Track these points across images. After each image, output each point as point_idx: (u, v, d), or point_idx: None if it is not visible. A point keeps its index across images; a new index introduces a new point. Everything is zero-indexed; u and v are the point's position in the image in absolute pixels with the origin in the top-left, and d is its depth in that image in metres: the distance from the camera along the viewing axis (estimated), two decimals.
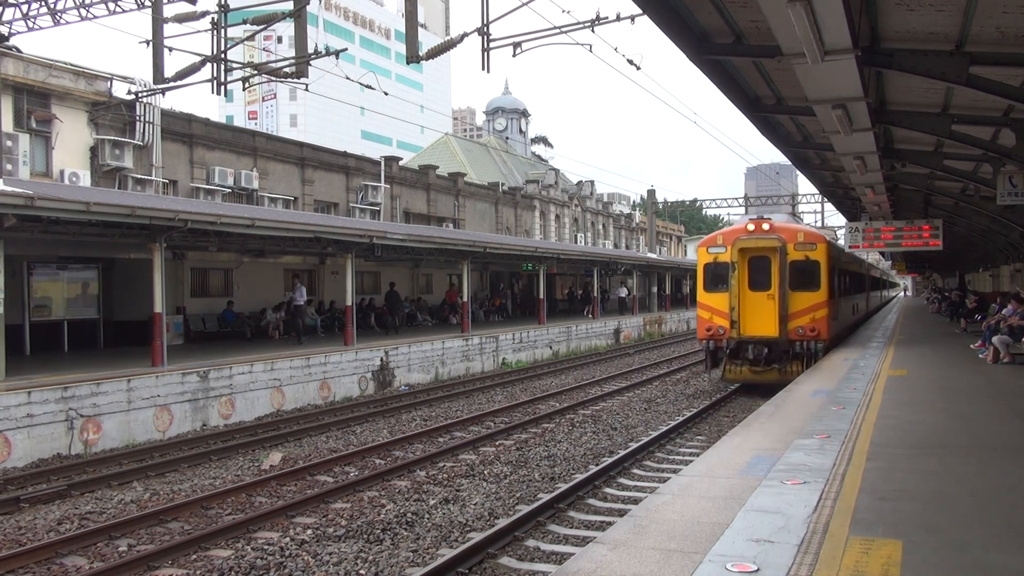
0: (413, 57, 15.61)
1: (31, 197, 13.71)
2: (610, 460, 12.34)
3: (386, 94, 19.95)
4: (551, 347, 31.85)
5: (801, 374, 16.15)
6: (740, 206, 59.41)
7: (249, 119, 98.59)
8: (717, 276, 18.84)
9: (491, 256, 29.95)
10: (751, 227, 18.57)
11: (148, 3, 17.73)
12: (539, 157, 77.13)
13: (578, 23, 15.42)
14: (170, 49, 17.53)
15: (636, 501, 9.40)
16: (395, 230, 25.17)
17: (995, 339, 16.43)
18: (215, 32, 17.30)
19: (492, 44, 14.97)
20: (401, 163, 40.46)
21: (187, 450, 14.45)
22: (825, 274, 17.99)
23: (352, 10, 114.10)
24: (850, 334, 25.16)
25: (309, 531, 9.47)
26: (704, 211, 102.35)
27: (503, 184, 51.04)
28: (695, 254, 21.34)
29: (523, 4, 14.37)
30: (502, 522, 9.35)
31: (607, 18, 15.29)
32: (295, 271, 27.73)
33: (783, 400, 11.50)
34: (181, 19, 17.51)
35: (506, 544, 8.73)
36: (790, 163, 21.34)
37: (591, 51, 17.08)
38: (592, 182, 64.47)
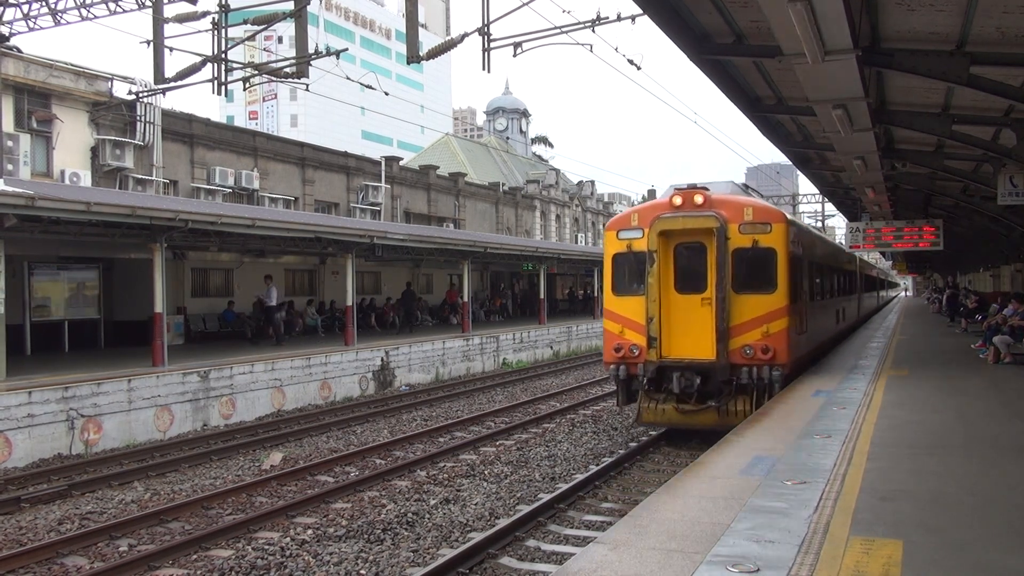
0: (414, 57, 15.61)
1: (32, 197, 13.72)
2: (610, 460, 12.35)
3: (387, 94, 19.95)
4: (552, 347, 31.87)
5: (750, 417, 10.76)
6: None
7: (250, 119, 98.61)
8: (631, 272, 13.51)
9: (491, 256, 29.96)
10: (677, 200, 12.97)
11: (149, 3, 17.72)
12: (539, 157, 77.13)
13: (578, 23, 15.43)
14: (171, 49, 17.53)
15: (637, 502, 9.40)
16: (395, 230, 25.18)
17: (996, 339, 16.41)
18: (216, 32, 17.30)
19: (493, 44, 14.98)
20: (401, 163, 40.47)
21: (188, 450, 14.45)
22: (784, 268, 12.68)
23: (353, 10, 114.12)
24: (832, 349, 19.24)
25: (310, 531, 9.48)
26: None
27: (504, 184, 51.04)
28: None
29: (523, 4, 14.37)
30: (503, 522, 9.35)
31: (607, 18, 15.29)
32: (268, 273, 25.97)
33: (781, 401, 11.49)
34: (182, 19, 17.51)
35: (507, 544, 8.73)
36: (790, 163, 21.34)
37: (591, 51, 17.10)
38: (592, 182, 64.49)
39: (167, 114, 26.29)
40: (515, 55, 15.37)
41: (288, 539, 9.17)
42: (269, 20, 17.86)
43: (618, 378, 13.50)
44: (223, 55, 17.30)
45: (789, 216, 13.66)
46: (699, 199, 12.88)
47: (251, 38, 18.50)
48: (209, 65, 17.41)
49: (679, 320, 13.02)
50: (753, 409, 11.93)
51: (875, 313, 41.74)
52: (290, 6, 17.18)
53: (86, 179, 23.01)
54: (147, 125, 24.86)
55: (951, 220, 24.58)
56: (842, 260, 23.09)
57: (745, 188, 15.70)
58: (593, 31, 15.50)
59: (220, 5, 17.32)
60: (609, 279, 13.85)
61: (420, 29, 16.55)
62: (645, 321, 12.93)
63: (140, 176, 24.69)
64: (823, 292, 17.94)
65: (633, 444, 13.75)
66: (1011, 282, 33.02)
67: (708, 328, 12.63)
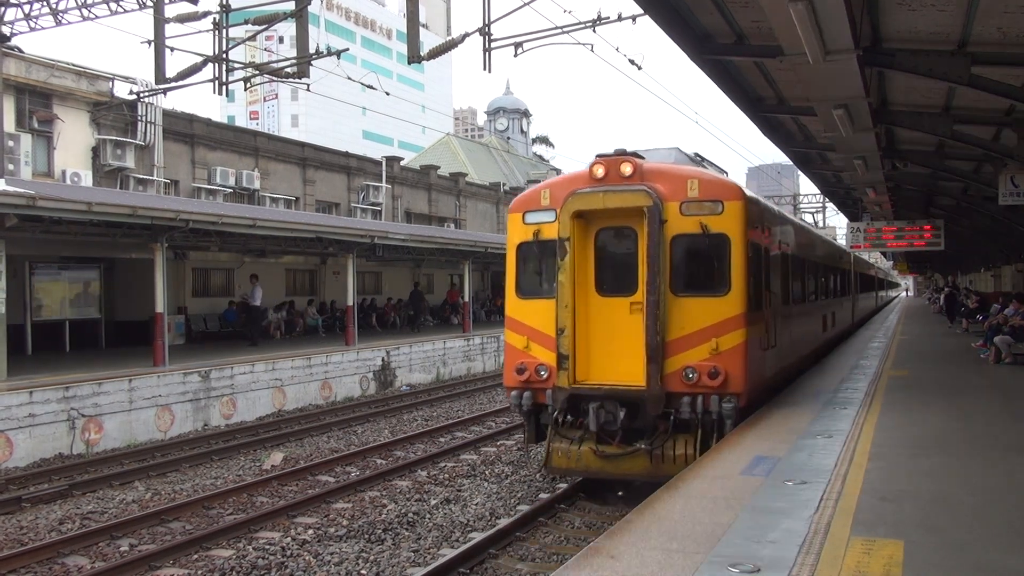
0: (414, 57, 15.62)
1: (33, 197, 13.74)
2: (507, 521, 12.28)
3: (387, 94, 19.95)
4: None
5: (694, 463, 8.20)
6: None
7: (250, 119, 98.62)
8: (540, 267, 10.53)
9: (492, 256, 29.93)
10: (599, 171, 9.95)
11: (150, 3, 17.73)
12: (540, 157, 77.16)
13: (579, 23, 15.44)
14: (172, 49, 17.55)
15: (637, 501, 9.39)
16: (396, 230, 25.19)
17: (997, 339, 16.40)
18: (216, 32, 17.32)
19: (493, 44, 14.99)
20: (402, 163, 40.49)
21: (188, 450, 14.46)
22: (741, 261, 9.61)
23: (354, 10, 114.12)
24: (817, 362, 16.28)
25: (310, 531, 9.48)
26: None
27: (505, 184, 51.04)
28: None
29: (524, 4, 14.38)
30: (504, 522, 9.35)
31: (608, 18, 15.31)
32: (254, 272, 24.87)
33: (782, 402, 11.48)
34: (183, 19, 17.53)
35: (508, 544, 8.73)
36: (792, 163, 21.34)
37: (592, 51, 17.11)
38: None
39: (168, 114, 26.30)
40: (516, 55, 15.39)
41: (289, 539, 9.17)
42: (270, 20, 17.88)
43: (522, 409, 10.27)
44: (224, 55, 17.31)
45: (749, 193, 10.29)
46: (627, 169, 9.73)
47: (252, 38, 18.53)
48: (210, 65, 17.44)
49: (601, 332, 10.00)
50: (697, 453, 9.07)
51: (873, 315, 39.07)
52: (291, 6, 17.19)
53: (87, 179, 23.03)
54: (148, 125, 24.88)
55: (952, 220, 24.57)
56: (831, 255, 20.07)
57: (698, 160, 12.07)
58: (594, 31, 15.52)
59: (221, 5, 17.34)
60: (512, 277, 10.61)
61: (421, 29, 16.57)
62: (555, 333, 9.80)
63: (141, 176, 24.70)
64: (804, 294, 14.75)
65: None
66: (1012, 282, 33.01)
67: (638, 343, 9.53)
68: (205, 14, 17.52)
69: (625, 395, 9.58)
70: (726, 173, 11.82)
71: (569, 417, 10.08)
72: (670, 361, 9.47)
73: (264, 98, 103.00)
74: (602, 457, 9.72)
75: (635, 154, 10.15)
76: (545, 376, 9.98)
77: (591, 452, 9.75)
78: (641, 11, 10.67)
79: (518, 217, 10.61)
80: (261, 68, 19.12)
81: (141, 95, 23.62)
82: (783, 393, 11.75)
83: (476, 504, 10.42)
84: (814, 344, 16.28)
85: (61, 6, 18.28)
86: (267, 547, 8.90)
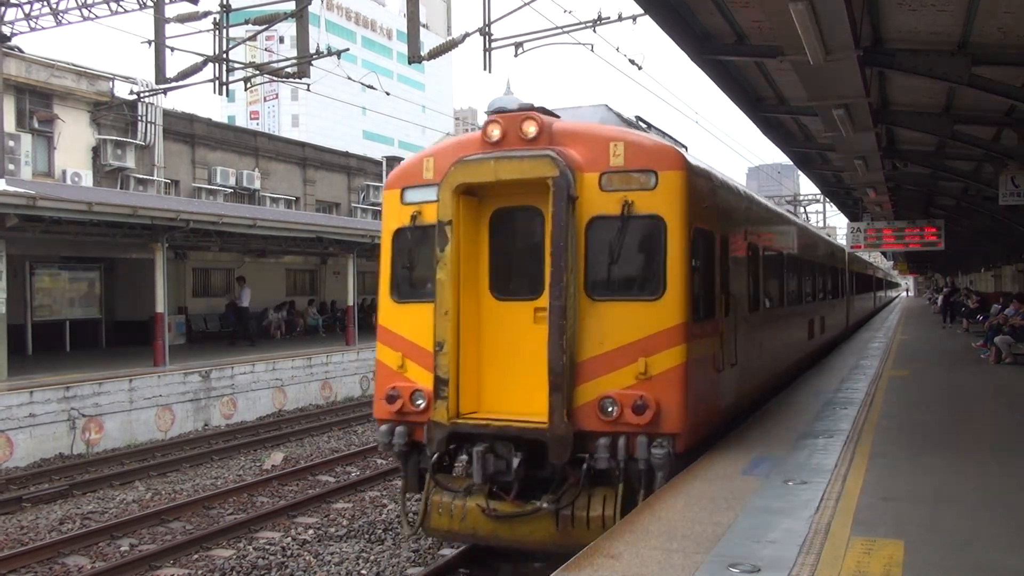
0: (415, 57, 15.63)
1: (33, 197, 13.75)
2: None
3: (388, 94, 19.96)
4: None
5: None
6: None
7: (251, 119, 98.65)
8: (423, 261, 7.91)
9: None
10: (494, 132, 7.60)
11: (150, 3, 17.75)
12: None
13: (580, 23, 15.46)
14: (172, 49, 17.57)
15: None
16: None
17: (997, 339, 16.40)
18: (217, 32, 17.33)
19: (494, 44, 15.01)
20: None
21: (189, 450, 14.46)
22: (680, 254, 7.27)
23: (354, 10, 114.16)
24: (797, 377, 13.74)
25: (311, 531, 9.49)
26: None
27: None
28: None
29: (524, 4, 14.39)
30: None
31: (609, 18, 15.32)
32: (241, 275, 24.39)
33: (782, 402, 11.48)
34: (183, 19, 17.54)
35: None
36: (792, 163, 21.34)
37: (592, 51, 17.11)
38: None
39: (168, 114, 26.32)
40: (516, 55, 15.41)
41: (289, 539, 9.18)
42: (270, 20, 17.90)
43: (394, 449, 7.73)
44: (224, 55, 17.32)
45: (695, 161, 7.90)
46: (531, 129, 7.37)
47: (252, 38, 18.54)
48: (210, 65, 17.45)
49: (496, 348, 7.65)
50: (619, 514, 6.79)
51: (871, 318, 36.86)
52: (291, 6, 17.20)
53: (87, 179, 23.04)
54: (148, 125, 24.90)
55: (952, 220, 24.57)
56: (819, 251, 17.50)
57: (640, 124, 9.27)
58: (594, 31, 15.54)
59: (221, 5, 17.35)
60: (386, 274, 8.20)
61: (421, 29, 16.58)
62: (433, 349, 7.39)
63: (141, 176, 24.71)
64: (782, 296, 12.36)
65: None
66: (1013, 282, 33.02)
67: (540, 365, 7.04)
68: (205, 14, 17.54)
69: (522, 435, 7.04)
70: (685, 148, 8.81)
71: (463, 460, 7.70)
72: (582, 389, 7.03)
73: (264, 98, 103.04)
74: (493, 518, 7.14)
75: (545, 110, 7.74)
76: (422, 406, 7.48)
77: (479, 511, 7.17)
78: (641, 11, 10.68)
79: (395, 196, 8.13)
80: (261, 68, 19.14)
81: (141, 95, 23.64)
82: (744, 426, 9.11)
83: None
84: (797, 355, 13.94)
85: (61, 6, 18.30)
86: (267, 547, 8.90)
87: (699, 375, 7.43)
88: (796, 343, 13.93)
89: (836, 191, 26.06)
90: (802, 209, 48.13)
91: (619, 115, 8.92)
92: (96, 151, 23.71)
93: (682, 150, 7.91)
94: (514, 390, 7.49)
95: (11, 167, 20.34)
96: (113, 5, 18.01)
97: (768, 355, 11.00)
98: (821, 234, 20.10)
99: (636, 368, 6.99)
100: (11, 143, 20.68)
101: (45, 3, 18.25)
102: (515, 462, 7.04)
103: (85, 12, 18.21)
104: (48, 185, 19.34)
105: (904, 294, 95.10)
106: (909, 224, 23.07)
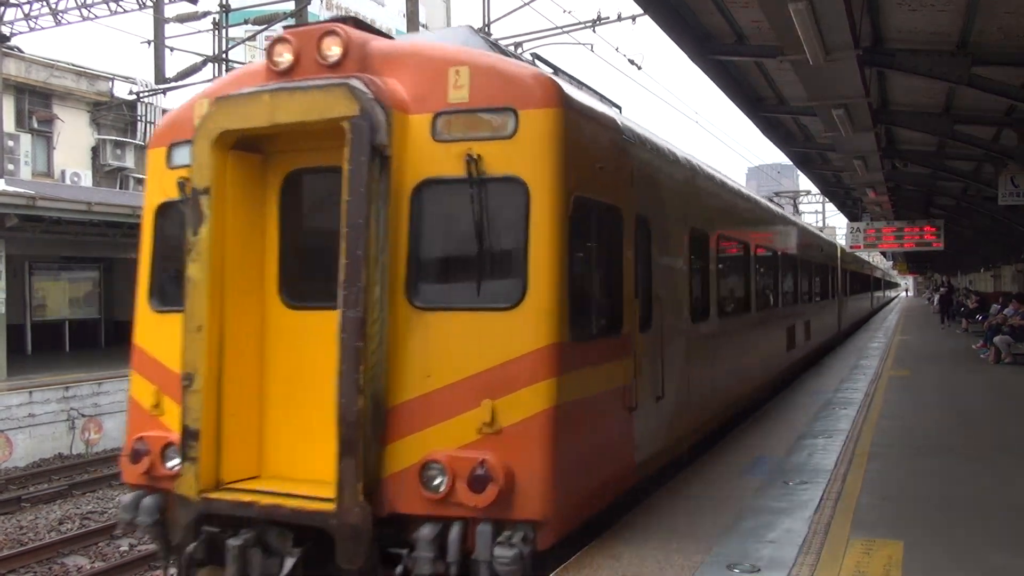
0: None
1: (33, 197, 13.75)
2: None
3: None
4: None
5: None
6: None
7: None
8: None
9: None
10: (285, 55, 5.07)
11: (150, 3, 17.75)
12: None
13: (579, 23, 15.47)
14: (171, 49, 17.61)
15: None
16: None
17: (996, 339, 16.41)
18: (216, 32, 17.35)
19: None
20: None
21: None
22: (550, 235, 4.72)
23: (353, 10, 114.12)
24: (771, 396, 11.60)
25: None
26: None
27: None
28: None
29: (524, 4, 14.40)
30: None
31: (608, 18, 15.33)
32: None
33: (782, 402, 11.48)
34: (182, 19, 17.56)
35: None
36: (792, 163, 21.33)
37: (592, 51, 17.10)
38: None
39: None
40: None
41: None
42: (270, 20, 17.90)
43: (134, 526, 5.63)
44: (224, 55, 17.33)
45: (580, 96, 5.41)
46: (333, 49, 5.03)
47: (252, 38, 18.54)
48: (210, 65, 17.45)
49: (286, 379, 5.33)
50: None
51: (867, 319, 34.77)
52: (291, 6, 17.22)
53: (87, 179, 23.04)
54: (148, 125, 24.89)
55: (952, 220, 24.58)
56: (802, 244, 14.91)
57: (534, 61, 6.83)
58: (594, 31, 15.55)
59: (221, 5, 17.37)
60: (145, 270, 6.45)
61: (421, 29, 16.58)
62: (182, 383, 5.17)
63: (141, 176, 24.70)
64: (747, 298, 10.11)
65: None
66: (1012, 282, 33.03)
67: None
68: (205, 14, 17.56)
69: (303, 519, 4.69)
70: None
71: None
72: (396, 448, 4.74)
73: None
74: None
75: (359, 22, 5.46)
76: (177, 466, 5.09)
77: None
78: (641, 11, 10.68)
79: (160, 156, 5.88)
80: None
81: (141, 95, 23.63)
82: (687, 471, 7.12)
83: None
84: (772, 371, 11.82)
85: (61, 6, 18.29)
86: None
87: (585, 424, 5.03)
88: (770, 356, 11.69)
89: (836, 191, 26.06)
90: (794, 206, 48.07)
91: (492, 42, 6.70)
92: (95, 151, 23.71)
93: (555, 79, 5.08)
94: (314, 443, 4.94)
95: (10, 167, 20.34)
96: (112, 5, 18.00)
97: (725, 376, 8.75)
98: (807, 226, 17.46)
99: (479, 416, 4.59)
100: (10, 143, 20.68)
101: (45, 3, 18.25)
102: (287, 564, 4.67)
103: (84, 12, 18.21)
104: (48, 185, 19.34)
105: (903, 294, 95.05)
106: (909, 224, 23.09)
